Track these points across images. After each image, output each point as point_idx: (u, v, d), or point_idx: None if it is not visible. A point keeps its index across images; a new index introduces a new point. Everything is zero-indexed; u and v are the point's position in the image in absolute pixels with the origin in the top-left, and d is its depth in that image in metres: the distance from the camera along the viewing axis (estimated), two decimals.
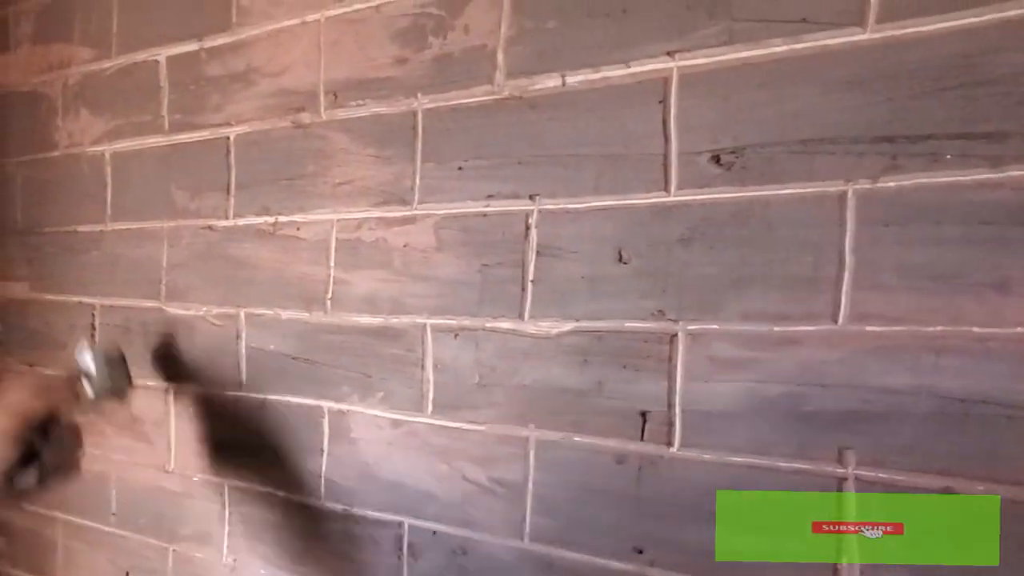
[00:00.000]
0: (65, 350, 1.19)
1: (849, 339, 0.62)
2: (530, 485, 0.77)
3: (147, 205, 1.07)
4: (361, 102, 0.87)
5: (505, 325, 0.78)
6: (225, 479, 1.01)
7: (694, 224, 0.68)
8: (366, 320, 0.88)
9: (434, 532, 0.83)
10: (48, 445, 0.78)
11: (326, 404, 0.91)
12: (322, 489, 0.92)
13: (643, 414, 0.71)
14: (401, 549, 0.86)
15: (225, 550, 1.02)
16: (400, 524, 0.86)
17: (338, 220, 0.89)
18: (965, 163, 0.58)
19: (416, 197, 0.84)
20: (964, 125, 0.58)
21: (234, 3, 0.98)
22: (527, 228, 0.77)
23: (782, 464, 0.65)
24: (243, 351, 0.98)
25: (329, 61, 0.90)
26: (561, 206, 0.75)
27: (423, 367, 0.84)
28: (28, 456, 0.77)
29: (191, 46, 1.02)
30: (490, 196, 0.79)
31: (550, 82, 0.75)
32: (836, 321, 0.63)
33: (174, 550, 1.07)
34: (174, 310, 1.05)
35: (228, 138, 0.98)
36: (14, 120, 1.25)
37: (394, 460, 0.86)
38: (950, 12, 0.58)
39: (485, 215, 0.79)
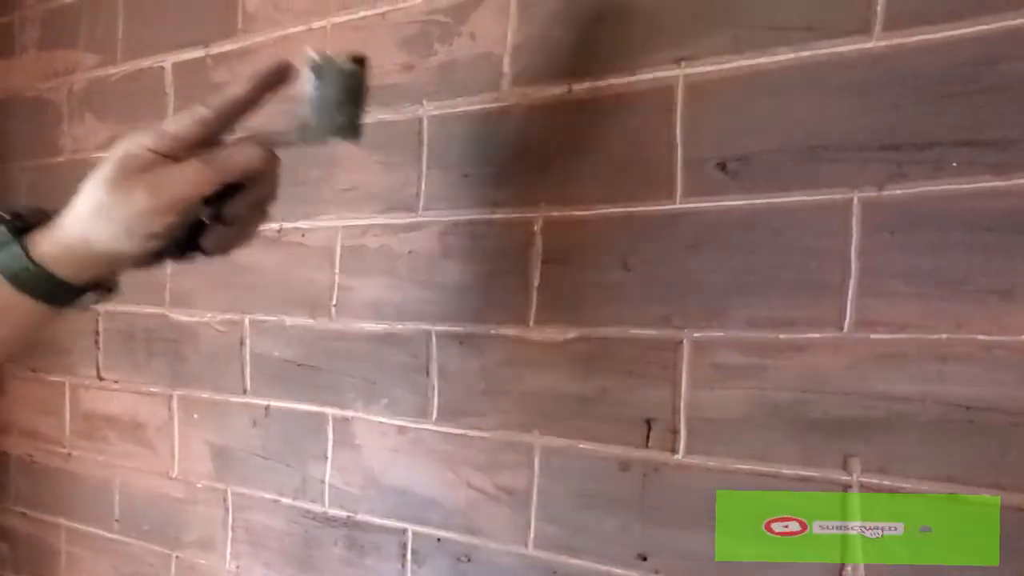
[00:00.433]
0: (70, 356, 1.19)
1: (854, 346, 0.62)
2: (535, 492, 0.77)
3: None
4: (367, 109, 0.87)
5: (510, 332, 0.78)
6: (228, 485, 1.01)
7: (699, 231, 0.69)
8: (371, 327, 0.88)
9: (439, 539, 0.83)
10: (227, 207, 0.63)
11: (330, 411, 0.91)
12: (326, 495, 0.92)
13: (648, 421, 0.71)
14: (405, 556, 0.86)
15: (228, 557, 1.02)
16: (404, 531, 0.86)
17: (343, 226, 0.90)
18: (971, 171, 0.58)
19: (422, 204, 0.84)
20: (970, 133, 0.58)
21: (240, 10, 0.98)
22: (532, 235, 0.77)
23: (787, 471, 0.65)
24: (247, 357, 0.98)
25: None
26: (566, 213, 0.75)
27: (428, 374, 0.84)
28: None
29: (197, 52, 1.02)
30: (495, 203, 0.79)
31: (556, 90, 0.76)
32: (841, 328, 0.63)
33: (177, 557, 1.07)
34: (178, 316, 1.05)
35: None
36: (19, 125, 1.25)
37: (399, 467, 0.86)
38: (956, 20, 0.58)
39: (490, 222, 0.80)
